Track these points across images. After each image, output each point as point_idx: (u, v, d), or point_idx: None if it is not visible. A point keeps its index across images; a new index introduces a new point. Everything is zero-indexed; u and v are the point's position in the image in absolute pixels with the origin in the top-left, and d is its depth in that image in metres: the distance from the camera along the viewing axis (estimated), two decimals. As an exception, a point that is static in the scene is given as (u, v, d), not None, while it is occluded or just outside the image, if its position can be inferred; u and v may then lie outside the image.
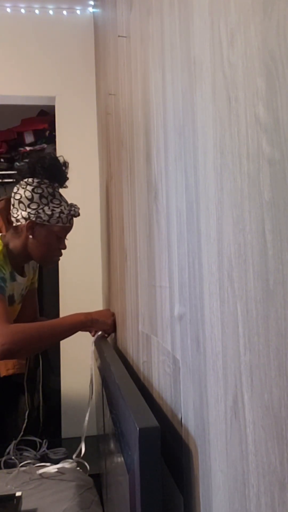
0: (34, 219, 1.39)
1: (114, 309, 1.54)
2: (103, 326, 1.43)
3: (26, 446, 1.81)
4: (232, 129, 0.42)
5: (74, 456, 1.42)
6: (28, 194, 1.39)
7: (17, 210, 1.41)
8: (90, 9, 2.33)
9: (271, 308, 0.35)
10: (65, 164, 1.48)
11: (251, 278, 0.39)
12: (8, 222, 2.43)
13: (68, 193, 1.54)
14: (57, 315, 2.13)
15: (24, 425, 1.98)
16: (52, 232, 1.42)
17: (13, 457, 1.68)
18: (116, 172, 1.42)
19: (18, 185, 1.43)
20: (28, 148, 2.68)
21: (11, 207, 1.45)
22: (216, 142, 0.47)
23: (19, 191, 1.41)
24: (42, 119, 2.74)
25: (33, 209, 1.39)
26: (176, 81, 0.63)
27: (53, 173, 1.44)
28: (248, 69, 0.38)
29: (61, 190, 1.49)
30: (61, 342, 1.85)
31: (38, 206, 1.39)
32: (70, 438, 1.99)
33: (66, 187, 1.50)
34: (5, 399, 2.32)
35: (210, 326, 0.50)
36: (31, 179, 1.41)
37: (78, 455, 1.42)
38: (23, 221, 1.40)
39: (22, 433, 1.86)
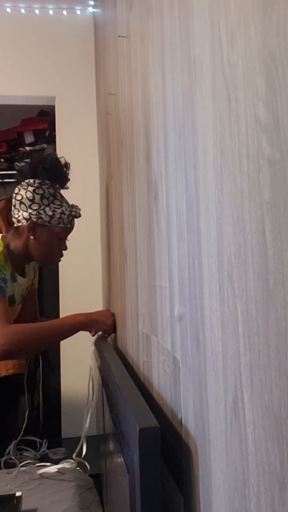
0: (35, 219, 1.39)
1: (114, 309, 1.54)
2: (103, 327, 1.43)
3: (26, 446, 1.81)
4: (232, 129, 0.42)
5: (74, 456, 1.42)
6: (29, 194, 1.40)
7: (18, 211, 1.41)
8: (90, 9, 2.33)
9: (271, 308, 0.35)
10: (67, 165, 1.48)
11: (251, 278, 0.39)
12: (8, 222, 2.43)
13: (68, 193, 1.54)
14: (57, 315, 2.13)
15: (24, 425, 1.98)
16: (53, 232, 1.42)
17: (13, 457, 1.68)
18: (116, 172, 1.42)
19: (19, 186, 1.43)
20: (28, 148, 2.68)
21: (12, 207, 1.45)
22: (216, 142, 0.47)
23: (20, 192, 1.42)
24: (42, 119, 2.74)
25: (34, 209, 1.39)
26: (176, 81, 0.63)
27: (55, 174, 1.44)
28: (248, 69, 0.38)
29: (62, 191, 1.49)
30: (61, 342, 1.85)
31: (39, 206, 1.40)
32: (70, 438, 1.99)
33: (67, 188, 1.50)
34: (5, 399, 2.32)
35: (210, 326, 0.50)
36: (33, 180, 1.42)
37: (79, 455, 1.42)
38: (24, 222, 1.40)
39: (22, 433, 1.86)
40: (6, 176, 2.65)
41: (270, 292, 0.35)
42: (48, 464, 1.50)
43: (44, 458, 1.75)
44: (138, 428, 0.55)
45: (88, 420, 1.38)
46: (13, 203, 1.44)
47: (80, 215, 1.47)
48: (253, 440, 0.39)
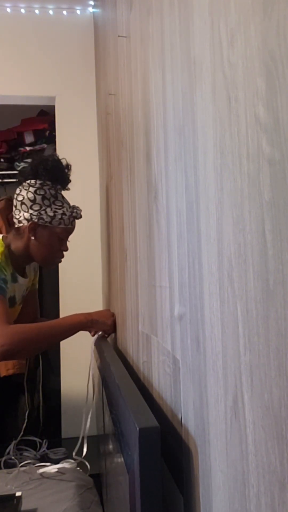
0: (36, 220, 1.39)
1: (114, 309, 1.54)
2: (103, 327, 1.43)
3: (26, 446, 1.81)
4: (232, 129, 0.42)
5: (74, 454, 1.42)
6: (30, 195, 1.40)
7: (19, 212, 1.42)
8: (90, 9, 2.33)
9: (271, 308, 0.35)
10: (68, 167, 1.49)
11: (251, 278, 0.39)
12: (8, 222, 2.44)
13: (68, 193, 1.54)
14: (57, 315, 2.13)
15: (24, 425, 1.98)
16: (54, 233, 1.42)
17: (13, 457, 1.68)
18: (116, 172, 1.42)
19: (20, 187, 1.43)
20: (28, 148, 2.69)
21: (14, 208, 1.45)
22: (216, 142, 0.47)
23: (21, 193, 1.42)
24: (42, 119, 2.75)
25: (35, 210, 1.39)
26: (176, 81, 0.63)
27: (56, 175, 1.44)
28: (248, 69, 0.38)
29: (63, 192, 1.49)
30: (61, 342, 1.85)
31: (40, 207, 1.40)
32: (70, 438, 1.99)
33: (68, 189, 1.51)
34: (5, 399, 2.32)
35: (210, 326, 0.50)
36: (34, 180, 1.42)
37: (79, 454, 1.42)
38: (25, 223, 1.40)
39: (22, 433, 1.86)
40: (6, 176, 2.65)
41: (270, 292, 0.35)
42: (48, 464, 1.50)
43: (44, 458, 1.75)
44: (138, 428, 0.55)
45: (89, 419, 1.38)
46: (14, 203, 1.44)
47: (81, 216, 1.47)
48: (253, 440, 0.39)
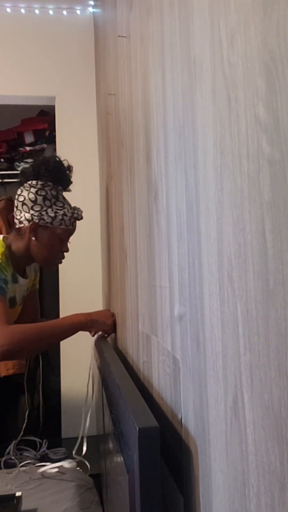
0: (37, 221, 1.39)
1: (114, 309, 1.54)
2: (103, 327, 1.43)
3: (26, 446, 1.81)
4: (232, 129, 0.42)
5: (74, 453, 1.42)
6: (31, 196, 1.40)
7: (21, 212, 1.42)
8: (90, 9, 2.33)
9: (271, 308, 0.35)
10: (69, 168, 1.49)
11: (251, 278, 0.39)
12: (8, 222, 2.44)
13: (68, 193, 1.54)
14: (57, 315, 2.13)
15: (24, 425, 1.98)
16: (55, 234, 1.43)
17: (13, 457, 1.68)
18: (116, 172, 1.42)
19: (22, 187, 1.44)
20: (28, 148, 2.69)
21: (15, 209, 1.45)
22: (216, 142, 0.47)
23: (22, 193, 1.42)
24: (42, 119, 2.75)
25: (37, 211, 1.39)
26: (176, 81, 0.63)
27: (57, 176, 1.44)
28: (248, 69, 0.38)
29: (64, 193, 1.49)
30: (61, 342, 1.85)
31: (42, 208, 1.40)
32: (70, 438, 1.99)
33: (69, 190, 1.51)
34: (5, 399, 2.32)
35: (210, 326, 0.50)
36: (35, 181, 1.42)
37: (79, 453, 1.42)
38: (26, 223, 1.41)
39: (22, 433, 1.86)
40: (6, 176, 2.66)
41: (270, 292, 0.35)
42: (48, 464, 1.50)
43: (44, 458, 1.75)
44: (137, 428, 0.55)
45: (88, 418, 1.38)
46: (16, 204, 1.44)
47: (82, 218, 1.47)
48: (253, 440, 0.39)
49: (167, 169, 0.69)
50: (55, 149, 2.35)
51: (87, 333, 1.44)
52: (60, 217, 1.41)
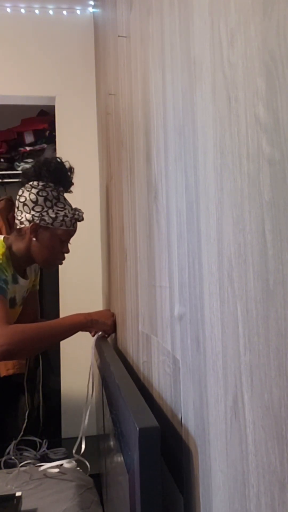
0: (38, 221, 1.39)
1: (114, 309, 1.54)
2: (103, 327, 1.43)
3: (26, 446, 1.81)
4: (232, 129, 0.42)
5: (74, 451, 1.42)
6: (33, 197, 1.40)
7: (21, 213, 1.42)
8: (90, 9, 2.33)
9: (271, 308, 0.35)
10: (71, 170, 1.49)
11: (251, 278, 0.39)
12: (8, 222, 2.44)
13: (68, 193, 1.54)
14: (57, 315, 2.13)
15: (24, 425, 1.98)
16: (55, 235, 1.43)
17: (13, 457, 1.68)
18: (116, 172, 1.42)
19: (23, 188, 1.44)
20: (28, 148, 2.69)
21: (16, 209, 1.45)
22: (216, 142, 0.47)
23: (24, 194, 1.42)
24: (42, 119, 2.75)
25: (37, 211, 1.40)
26: (176, 81, 0.63)
27: (59, 177, 1.45)
28: (248, 69, 0.38)
29: (65, 194, 1.49)
30: (61, 342, 1.85)
31: (43, 209, 1.40)
32: (70, 438, 1.99)
33: (71, 192, 1.51)
34: (5, 399, 2.32)
35: (210, 326, 0.50)
36: (36, 182, 1.42)
37: (78, 452, 1.42)
38: (27, 224, 1.41)
39: (22, 433, 1.86)
40: (6, 176, 2.66)
41: (270, 292, 0.35)
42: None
43: (44, 458, 1.75)
44: (138, 428, 0.55)
45: (87, 417, 1.37)
46: (17, 205, 1.45)
47: (83, 219, 1.47)
48: (253, 440, 0.39)
49: (167, 169, 0.69)
50: (55, 149, 2.35)
51: (87, 333, 1.44)
52: (61, 218, 1.41)
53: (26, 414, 2.16)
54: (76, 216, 1.45)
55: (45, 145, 2.67)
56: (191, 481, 0.59)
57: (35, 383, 2.35)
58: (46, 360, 2.40)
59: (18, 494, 1.20)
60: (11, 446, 1.73)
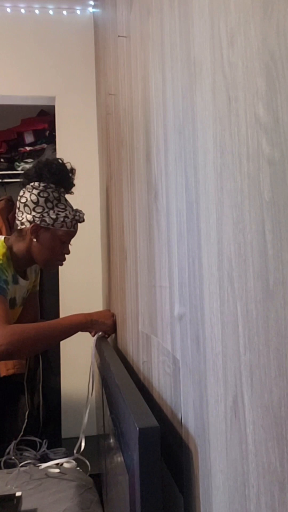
0: (38, 222, 1.39)
1: (114, 309, 1.54)
2: (103, 327, 1.43)
3: (26, 446, 1.81)
4: (232, 129, 0.42)
5: (75, 451, 1.42)
6: (33, 197, 1.40)
7: (22, 213, 1.42)
8: (90, 9, 2.33)
9: (271, 308, 0.35)
10: (72, 171, 1.49)
11: (251, 278, 0.39)
12: (8, 222, 2.44)
13: (69, 194, 1.54)
14: (57, 315, 2.13)
15: (24, 425, 1.98)
16: (56, 236, 1.43)
17: (13, 457, 1.68)
18: (116, 172, 1.42)
19: (24, 189, 1.44)
20: (28, 148, 2.69)
21: (17, 210, 1.45)
22: (216, 142, 0.47)
23: (25, 195, 1.42)
24: (42, 119, 2.75)
25: (38, 212, 1.40)
26: (176, 81, 0.63)
27: (60, 178, 1.45)
28: (248, 69, 0.38)
29: (66, 195, 1.50)
30: (61, 342, 1.85)
31: (43, 209, 1.40)
32: (70, 438, 1.99)
33: (72, 193, 1.51)
34: (5, 399, 2.32)
35: (210, 326, 0.50)
36: (37, 183, 1.42)
37: (78, 450, 1.42)
38: (27, 224, 1.41)
39: (22, 433, 1.86)
40: (6, 176, 2.66)
41: (270, 292, 0.35)
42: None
43: (44, 458, 1.75)
44: (138, 428, 0.55)
45: (86, 416, 1.37)
46: (17, 205, 1.45)
47: (83, 220, 1.48)
48: (253, 440, 0.39)
49: (167, 169, 0.69)
50: (55, 149, 2.35)
51: (87, 333, 1.44)
52: (62, 219, 1.41)
53: (26, 414, 2.17)
54: (77, 217, 1.45)
55: (45, 145, 2.67)
56: (191, 481, 0.59)
57: (35, 383, 2.35)
58: (46, 360, 2.40)
59: (18, 494, 1.20)
60: (11, 446, 1.73)
